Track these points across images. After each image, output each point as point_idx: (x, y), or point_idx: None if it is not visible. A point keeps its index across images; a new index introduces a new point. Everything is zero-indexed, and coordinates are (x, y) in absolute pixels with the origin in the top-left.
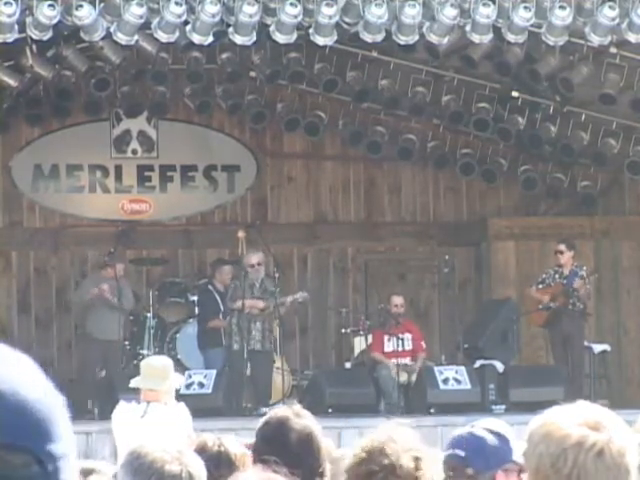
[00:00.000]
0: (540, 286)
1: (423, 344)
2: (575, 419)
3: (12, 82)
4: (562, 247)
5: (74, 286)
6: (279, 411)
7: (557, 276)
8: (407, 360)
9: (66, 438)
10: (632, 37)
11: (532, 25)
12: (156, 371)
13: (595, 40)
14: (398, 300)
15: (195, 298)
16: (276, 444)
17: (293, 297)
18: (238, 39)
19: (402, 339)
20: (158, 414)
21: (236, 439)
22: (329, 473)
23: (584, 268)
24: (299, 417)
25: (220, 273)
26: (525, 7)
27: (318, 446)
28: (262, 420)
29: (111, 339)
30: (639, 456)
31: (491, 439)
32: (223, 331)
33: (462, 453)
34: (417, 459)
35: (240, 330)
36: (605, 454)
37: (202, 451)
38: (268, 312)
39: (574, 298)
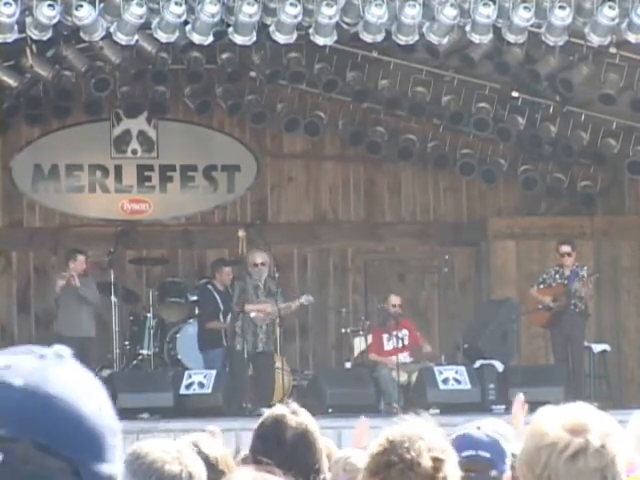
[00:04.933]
0: (541, 286)
1: (418, 334)
2: (558, 420)
3: (12, 82)
4: (568, 249)
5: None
6: (275, 409)
7: (558, 276)
8: (406, 355)
9: (113, 462)
10: (632, 37)
11: (532, 25)
12: None
13: (595, 40)
14: (396, 300)
15: (195, 298)
16: (272, 442)
17: (299, 301)
18: (238, 39)
19: (401, 338)
20: None
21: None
22: (326, 470)
23: (585, 268)
24: (296, 415)
25: (220, 274)
26: (525, 7)
27: (314, 443)
28: (259, 419)
29: (83, 336)
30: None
31: (503, 441)
32: (224, 332)
33: (487, 454)
34: (438, 460)
35: (244, 332)
36: (579, 458)
37: None
38: (275, 316)
39: (575, 299)
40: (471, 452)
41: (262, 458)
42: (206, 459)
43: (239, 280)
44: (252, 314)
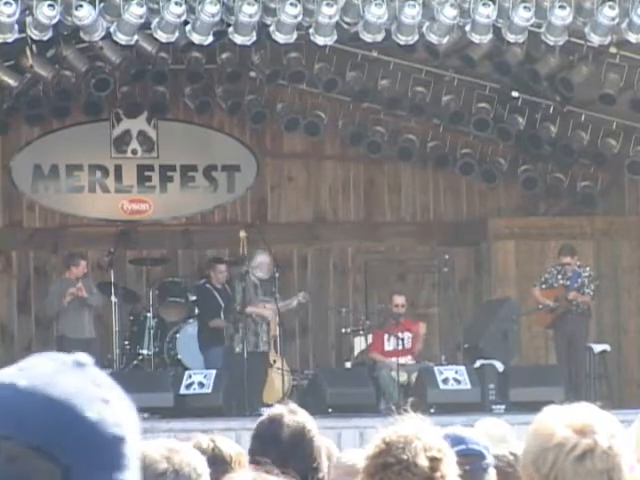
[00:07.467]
0: (543, 286)
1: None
2: (565, 420)
3: (12, 82)
4: (568, 259)
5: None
6: (274, 409)
7: (560, 276)
8: (407, 359)
9: (113, 470)
10: (632, 37)
11: (532, 25)
12: None
13: (595, 40)
14: (400, 300)
15: (194, 298)
16: (269, 441)
17: (297, 299)
18: (238, 39)
19: (402, 338)
20: None
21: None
22: (325, 469)
23: (587, 269)
24: (293, 414)
25: (215, 272)
26: (525, 7)
27: (311, 441)
28: (258, 420)
29: (85, 337)
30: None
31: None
32: (225, 332)
33: (476, 447)
34: (435, 460)
35: (246, 333)
36: (586, 458)
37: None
38: (275, 315)
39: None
40: (462, 447)
41: (260, 458)
42: (220, 455)
43: (240, 280)
44: (255, 314)
